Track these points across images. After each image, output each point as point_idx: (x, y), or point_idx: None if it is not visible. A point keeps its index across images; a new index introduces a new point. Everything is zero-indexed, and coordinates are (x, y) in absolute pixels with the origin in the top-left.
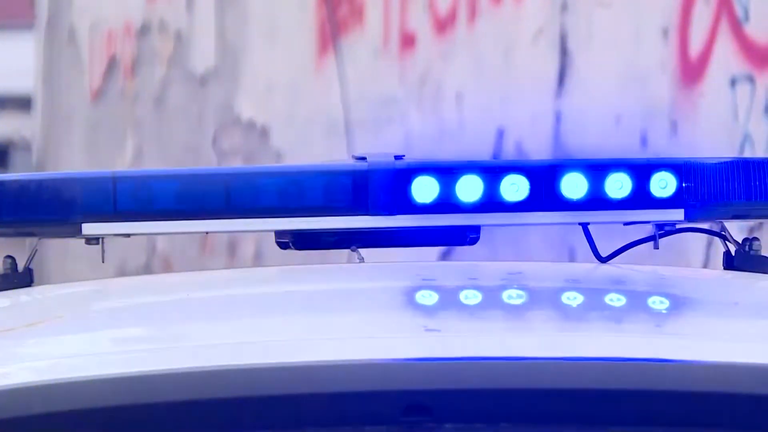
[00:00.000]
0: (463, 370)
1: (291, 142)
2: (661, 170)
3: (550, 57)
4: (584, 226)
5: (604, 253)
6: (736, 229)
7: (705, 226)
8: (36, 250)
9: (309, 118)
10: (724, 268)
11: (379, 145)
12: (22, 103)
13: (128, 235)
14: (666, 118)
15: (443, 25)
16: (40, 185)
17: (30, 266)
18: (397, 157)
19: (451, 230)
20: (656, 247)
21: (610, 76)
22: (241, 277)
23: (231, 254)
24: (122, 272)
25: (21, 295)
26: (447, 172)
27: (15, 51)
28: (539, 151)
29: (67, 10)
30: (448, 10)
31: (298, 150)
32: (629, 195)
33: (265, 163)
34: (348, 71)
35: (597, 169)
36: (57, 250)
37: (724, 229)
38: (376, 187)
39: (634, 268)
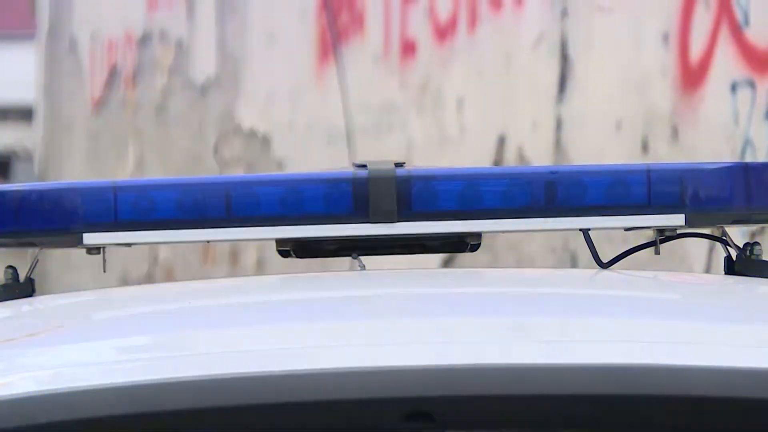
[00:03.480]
0: (464, 376)
1: (292, 150)
2: (661, 175)
3: (551, 63)
4: (585, 232)
5: (605, 259)
6: (738, 234)
7: (706, 231)
8: (37, 260)
9: (310, 126)
10: (726, 273)
11: (380, 153)
12: (23, 114)
13: (129, 245)
14: (667, 123)
15: (443, 32)
16: (41, 195)
17: (31, 276)
18: (398, 165)
19: (453, 237)
20: (657, 252)
21: (610, 81)
22: (243, 286)
23: (233, 263)
24: (124, 282)
25: (22, 305)
26: (448, 179)
27: (16, 62)
28: (540, 157)
29: (68, 21)
30: (449, 17)
31: (299, 158)
32: (630, 201)
33: (266, 171)
34: (349, 79)
35: (598, 176)
36: (58, 260)
37: (725, 234)
38: (377, 194)
39: (635, 273)
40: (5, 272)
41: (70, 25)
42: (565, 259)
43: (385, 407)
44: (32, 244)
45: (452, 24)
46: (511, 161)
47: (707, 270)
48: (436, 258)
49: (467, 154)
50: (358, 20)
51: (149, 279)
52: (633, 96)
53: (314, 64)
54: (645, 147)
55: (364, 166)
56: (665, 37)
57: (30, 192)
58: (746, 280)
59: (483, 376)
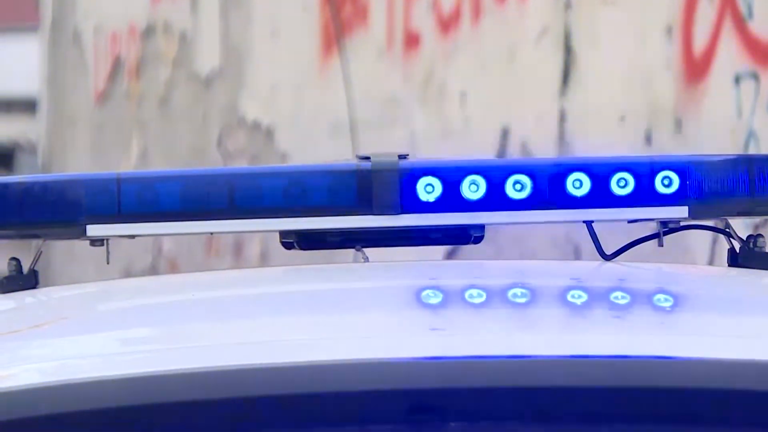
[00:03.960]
0: (468, 368)
1: (296, 143)
2: (665, 168)
3: (554, 56)
4: (589, 224)
5: (608, 251)
6: (741, 226)
7: (709, 223)
8: (41, 252)
9: (314, 118)
10: (729, 265)
11: (384, 145)
12: (27, 106)
13: (133, 237)
14: (670, 116)
15: (447, 24)
16: (45, 187)
17: (35, 268)
18: (401, 157)
19: (456, 229)
20: (661, 244)
21: (614, 74)
22: (247, 278)
23: (237, 255)
24: (128, 274)
25: (26, 296)
26: (451, 172)
27: (20, 54)
28: (544, 150)
29: (71, 13)
30: (452, 9)
31: (303, 150)
32: (633, 193)
33: (270, 163)
34: (352, 71)
35: (601, 168)
36: (62, 251)
37: (728, 226)
38: (381, 186)
39: (638, 265)
40: (9, 264)
41: (74, 17)
42: (568, 251)
43: (388, 399)
44: (36, 236)
45: (456, 16)
46: (514, 154)
47: (710, 262)
48: (440, 250)
49: (471, 147)
50: (362, 13)
51: (153, 271)
52: (637, 89)
53: (318, 56)
54: (648, 139)
55: (367, 158)
56: (669, 30)
57: (33, 184)
58: (749, 272)
59: (487, 368)
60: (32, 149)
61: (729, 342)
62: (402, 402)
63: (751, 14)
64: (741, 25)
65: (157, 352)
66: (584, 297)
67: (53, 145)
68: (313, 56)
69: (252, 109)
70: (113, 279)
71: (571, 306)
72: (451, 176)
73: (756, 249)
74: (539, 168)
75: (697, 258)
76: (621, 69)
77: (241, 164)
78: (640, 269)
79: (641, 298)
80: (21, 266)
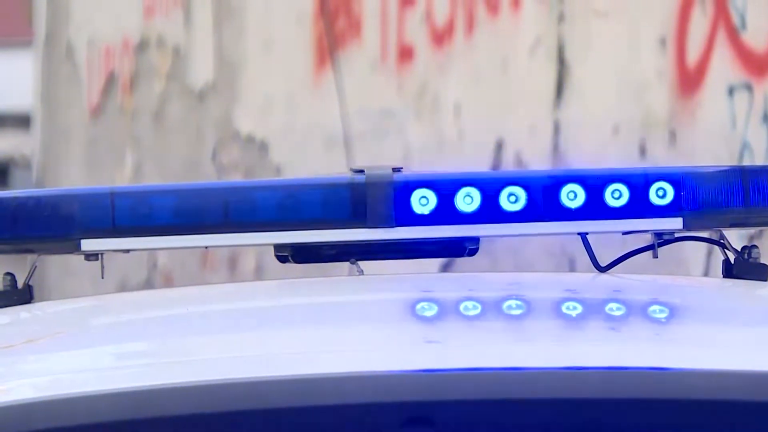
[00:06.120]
0: (463, 381)
1: (290, 156)
2: (659, 179)
3: (548, 68)
4: (583, 236)
5: (603, 263)
6: (736, 237)
7: (704, 234)
8: (36, 267)
9: (308, 131)
10: (724, 277)
11: (378, 158)
12: (21, 121)
13: (127, 251)
14: (664, 127)
15: (441, 37)
16: (39, 202)
17: (30, 283)
18: (395, 170)
19: (450, 242)
20: (655, 256)
21: (608, 86)
22: (242, 291)
23: (232, 268)
24: (123, 288)
25: (21, 311)
26: (445, 184)
27: (14, 69)
28: (538, 161)
29: (65, 27)
30: (446, 22)
31: (298, 163)
32: (628, 204)
33: (264, 177)
34: (346, 84)
35: (596, 180)
36: (57, 266)
37: (723, 237)
38: (375, 199)
39: (633, 277)
40: (3, 279)
41: (67, 31)
42: (563, 263)
43: (383, 412)
44: (30, 251)
45: (449, 29)
46: (509, 166)
47: (706, 273)
48: (435, 262)
49: (465, 159)
50: (355, 26)
51: (148, 285)
52: (630, 100)
53: (311, 69)
54: (643, 151)
55: (361, 171)
56: (662, 41)
57: (28, 198)
58: (744, 284)
59: (482, 380)
60: (26, 164)
61: (724, 353)
62: (397, 414)
63: (744, 25)
64: (734, 36)
65: (152, 367)
66: (579, 309)
67: (47, 160)
68: (307, 69)
69: (246, 123)
70: (108, 293)
71: (566, 318)
72: (445, 189)
73: (751, 260)
74: (534, 180)
75: (692, 269)
76: (615, 80)
77: (235, 178)
78: (635, 281)
79: (636, 310)
80: (15, 281)
